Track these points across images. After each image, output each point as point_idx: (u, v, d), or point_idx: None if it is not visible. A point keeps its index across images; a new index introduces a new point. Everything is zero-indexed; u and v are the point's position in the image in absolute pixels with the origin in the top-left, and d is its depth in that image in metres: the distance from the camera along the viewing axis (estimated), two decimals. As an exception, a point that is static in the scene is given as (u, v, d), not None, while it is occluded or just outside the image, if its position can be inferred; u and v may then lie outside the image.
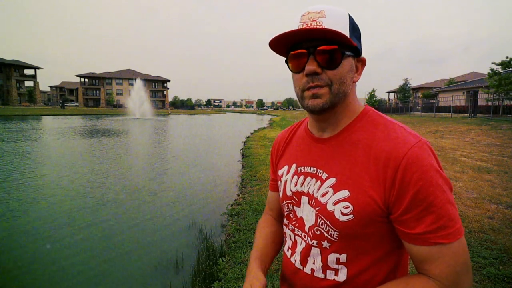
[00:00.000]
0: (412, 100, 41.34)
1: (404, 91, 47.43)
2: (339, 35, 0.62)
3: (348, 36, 0.64)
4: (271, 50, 0.71)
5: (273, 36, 0.65)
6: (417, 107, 35.01)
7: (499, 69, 19.03)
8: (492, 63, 19.25)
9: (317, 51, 0.65)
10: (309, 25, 0.64)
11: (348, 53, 0.67)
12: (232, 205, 4.81)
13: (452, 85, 37.56)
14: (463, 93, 29.12)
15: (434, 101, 29.66)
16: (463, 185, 5.01)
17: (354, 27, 0.68)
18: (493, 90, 18.12)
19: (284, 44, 0.69)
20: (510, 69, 18.73)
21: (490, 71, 19.18)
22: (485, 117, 17.59)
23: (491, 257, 2.73)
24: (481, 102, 19.86)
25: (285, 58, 0.72)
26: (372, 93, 50.20)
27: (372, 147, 0.67)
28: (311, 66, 0.65)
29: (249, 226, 3.73)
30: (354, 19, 0.71)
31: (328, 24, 0.63)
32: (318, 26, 0.63)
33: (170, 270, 3.18)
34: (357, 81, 0.73)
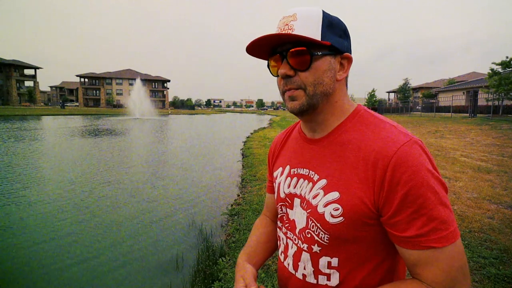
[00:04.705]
0: (412, 100, 41.35)
1: (404, 91, 47.43)
2: (303, 38, 0.63)
3: (319, 35, 0.64)
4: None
5: (247, 45, 0.68)
6: (417, 107, 35.03)
7: (499, 69, 19.01)
8: (492, 63, 19.27)
9: (288, 54, 0.66)
10: (282, 29, 0.66)
11: (319, 53, 0.66)
12: (232, 205, 4.82)
13: (452, 85, 37.56)
14: (463, 93, 29.13)
15: (434, 101, 29.69)
16: (463, 185, 5.01)
17: (330, 25, 0.67)
18: (493, 90, 18.11)
19: (261, 50, 0.71)
20: (510, 69, 18.71)
21: (490, 71, 19.18)
22: (485, 117, 17.60)
23: (491, 257, 2.72)
24: (481, 102, 19.88)
25: (267, 63, 0.74)
26: (372, 93, 50.31)
27: (362, 147, 0.65)
28: (282, 69, 0.67)
29: (249, 226, 3.73)
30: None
31: (298, 26, 0.64)
32: (282, 32, 0.65)
33: (170, 270, 3.18)
34: (342, 78, 0.71)
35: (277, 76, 0.71)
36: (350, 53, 0.71)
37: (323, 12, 0.66)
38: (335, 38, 0.67)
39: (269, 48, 0.70)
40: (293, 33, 0.63)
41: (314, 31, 0.64)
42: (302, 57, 0.65)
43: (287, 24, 0.65)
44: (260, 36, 0.65)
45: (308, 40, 0.63)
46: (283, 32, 0.65)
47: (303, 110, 0.69)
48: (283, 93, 0.71)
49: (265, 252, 0.90)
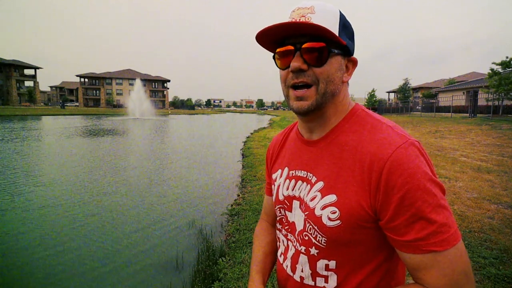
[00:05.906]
0: (412, 100, 41.34)
1: (404, 91, 47.42)
2: (326, 32, 0.61)
3: (336, 33, 0.63)
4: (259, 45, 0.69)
5: (260, 30, 0.63)
6: (417, 107, 35.02)
7: (499, 69, 19.01)
8: (492, 63, 19.25)
9: (303, 47, 0.63)
10: (297, 20, 0.62)
11: (336, 51, 0.64)
12: (232, 205, 4.82)
13: (452, 85, 37.56)
14: (463, 93, 29.13)
15: (434, 101, 29.70)
16: (463, 185, 5.01)
17: (345, 26, 0.66)
18: (493, 90, 18.12)
19: (271, 39, 0.67)
20: (510, 69, 18.71)
21: (490, 71, 19.17)
22: (485, 117, 17.60)
23: (491, 257, 2.72)
24: (481, 102, 19.89)
25: (273, 54, 0.70)
26: (372, 93, 50.32)
27: (358, 149, 0.64)
28: (296, 63, 0.63)
29: (249, 226, 3.73)
30: (351, 19, 0.70)
31: (316, 20, 0.61)
32: (305, 21, 0.61)
33: (170, 270, 3.17)
34: (347, 81, 0.70)
35: (284, 68, 0.67)
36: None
37: (340, 11, 0.66)
38: (347, 39, 0.66)
39: (281, 38, 0.66)
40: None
41: (332, 28, 0.62)
42: (320, 52, 0.63)
43: (303, 16, 0.62)
44: (276, 23, 0.61)
45: (328, 35, 0.61)
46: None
47: (311, 110, 0.67)
48: (289, 87, 0.68)
49: (272, 262, 0.90)
